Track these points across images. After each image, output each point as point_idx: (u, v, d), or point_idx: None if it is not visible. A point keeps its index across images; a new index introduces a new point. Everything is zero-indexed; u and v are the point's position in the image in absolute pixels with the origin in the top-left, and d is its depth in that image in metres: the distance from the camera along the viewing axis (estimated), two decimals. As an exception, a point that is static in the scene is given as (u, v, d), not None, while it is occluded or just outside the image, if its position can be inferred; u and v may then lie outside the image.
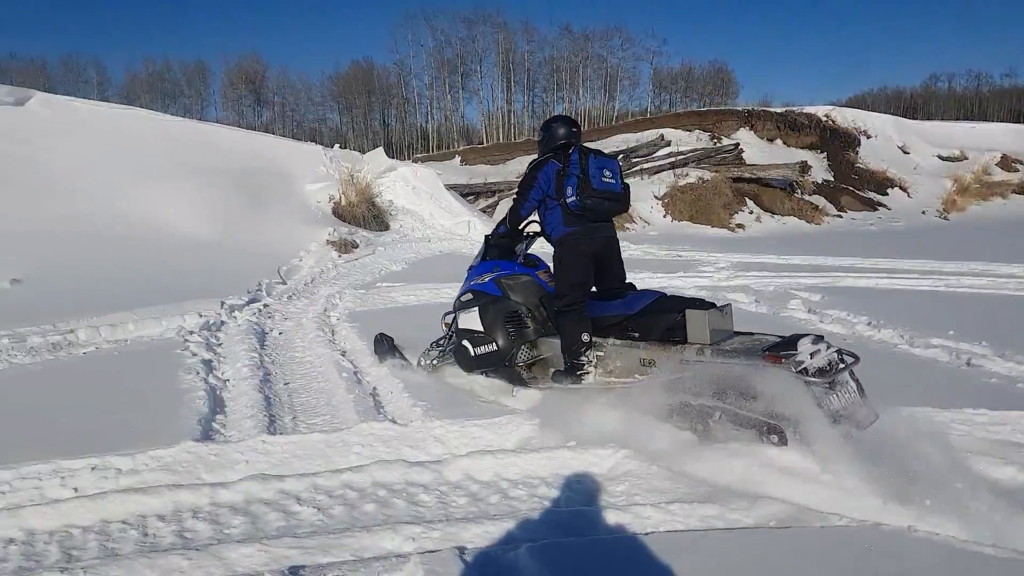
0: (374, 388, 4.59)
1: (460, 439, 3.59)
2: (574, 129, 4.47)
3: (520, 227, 4.66)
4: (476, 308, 4.57)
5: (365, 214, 12.82)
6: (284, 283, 8.78)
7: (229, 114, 59.95)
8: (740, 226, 18.09)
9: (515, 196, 4.49)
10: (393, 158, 17.07)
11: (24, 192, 9.76)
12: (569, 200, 4.12)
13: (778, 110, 26.36)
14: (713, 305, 3.79)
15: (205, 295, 7.42)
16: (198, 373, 4.85)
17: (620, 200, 4.30)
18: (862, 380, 3.47)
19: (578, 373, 4.07)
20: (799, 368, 3.17)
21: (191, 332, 6.09)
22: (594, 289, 4.37)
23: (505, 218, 4.59)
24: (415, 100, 62.54)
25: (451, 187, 15.71)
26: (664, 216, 18.09)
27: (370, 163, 14.99)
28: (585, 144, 4.42)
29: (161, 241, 9.58)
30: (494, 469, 3.19)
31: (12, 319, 6.14)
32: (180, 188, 11.05)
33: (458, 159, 25.63)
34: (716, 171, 19.78)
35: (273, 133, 41.73)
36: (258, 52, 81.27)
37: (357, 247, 11.12)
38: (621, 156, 19.85)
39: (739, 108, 27.86)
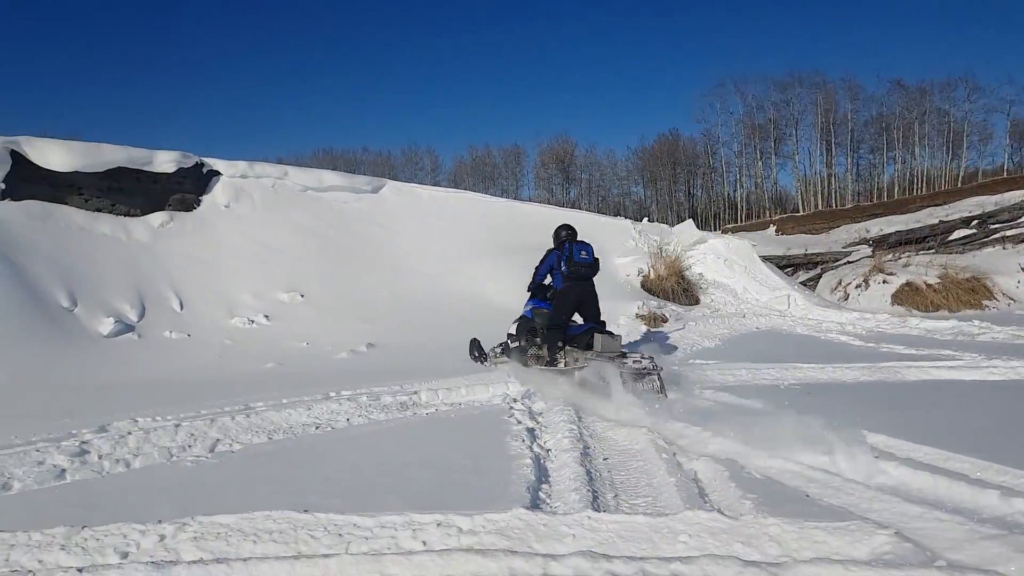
0: (695, 473, 4.42)
1: (799, 541, 3.26)
2: (570, 232, 7.79)
3: (538, 284, 7.96)
4: (517, 323, 7.95)
5: (675, 287, 12.76)
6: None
7: (541, 192, 64.70)
8: None
9: (536, 268, 7.93)
10: (701, 229, 16.89)
11: (380, 269, 11.35)
12: (563, 270, 7.44)
13: None
14: (609, 333, 7.24)
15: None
16: (523, 440, 5.11)
17: (591, 266, 7.54)
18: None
19: (554, 362, 7.34)
20: (622, 365, 6.79)
21: (515, 400, 6.50)
22: (580, 320, 7.62)
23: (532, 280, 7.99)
24: (723, 169, 61.64)
25: (767, 259, 15.04)
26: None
27: (679, 235, 14.97)
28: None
29: (486, 313, 10.50)
30: (843, 583, 2.85)
31: (369, 379, 7.10)
32: (499, 264, 12.03)
33: (773, 228, 24.63)
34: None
35: (579, 208, 44.04)
36: (567, 132, 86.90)
37: (667, 321, 11.07)
38: (975, 223, 17.46)
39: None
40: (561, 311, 7.42)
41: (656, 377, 6.67)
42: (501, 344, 8.10)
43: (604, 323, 7.44)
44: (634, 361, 6.83)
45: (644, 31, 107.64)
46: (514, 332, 7.84)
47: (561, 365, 7.20)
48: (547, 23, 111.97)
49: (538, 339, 7.48)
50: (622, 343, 7.25)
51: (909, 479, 4.14)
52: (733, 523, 3.47)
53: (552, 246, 7.78)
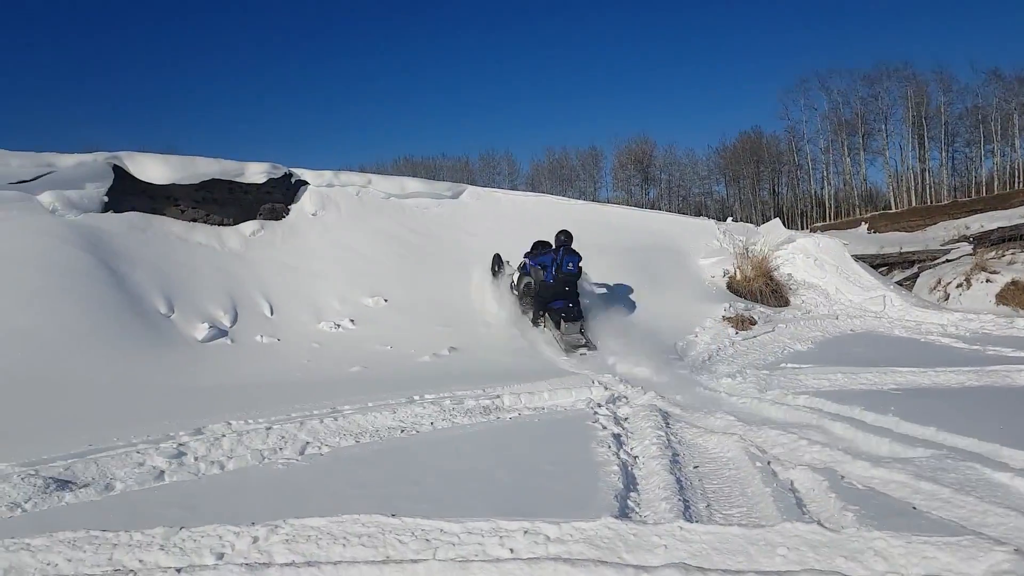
0: (792, 483, 4.22)
1: (908, 557, 3.05)
2: (567, 239, 9.86)
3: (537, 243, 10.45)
4: (518, 275, 10.52)
5: (763, 289, 12.34)
6: (681, 360, 8.80)
7: (619, 193, 64.21)
8: None
9: (531, 254, 10.32)
10: (788, 228, 16.32)
11: (460, 273, 11.42)
12: (553, 273, 9.61)
13: None
14: (577, 318, 9.41)
15: (602, 370, 7.85)
16: (609, 447, 5.01)
17: (575, 275, 9.70)
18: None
19: (536, 324, 9.96)
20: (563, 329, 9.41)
21: (599, 405, 6.40)
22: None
23: (523, 262, 10.45)
24: (808, 166, 59.73)
25: (859, 258, 14.39)
26: None
27: (766, 235, 14.50)
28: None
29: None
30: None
31: (451, 382, 7.12)
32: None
33: (864, 227, 23.64)
34: None
35: (659, 209, 43.40)
36: (646, 132, 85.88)
37: (755, 324, 10.71)
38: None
39: None
40: (545, 297, 9.72)
41: (587, 342, 9.38)
42: (514, 273, 10.83)
43: (577, 303, 9.69)
44: (579, 344, 9.31)
45: (721, 29, 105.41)
46: (517, 279, 10.64)
47: (540, 327, 9.95)
48: (623, 24, 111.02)
49: (531, 292, 10.07)
50: (585, 327, 9.59)
51: (1026, 491, 3.85)
52: (835, 536, 3.28)
53: (553, 247, 10.02)
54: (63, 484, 4.29)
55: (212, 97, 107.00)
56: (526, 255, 10.46)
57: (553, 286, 9.57)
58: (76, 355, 7.09)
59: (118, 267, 8.88)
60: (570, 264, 9.62)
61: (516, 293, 10.58)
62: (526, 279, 10.28)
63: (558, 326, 9.44)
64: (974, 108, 52.45)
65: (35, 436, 5.14)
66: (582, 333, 9.42)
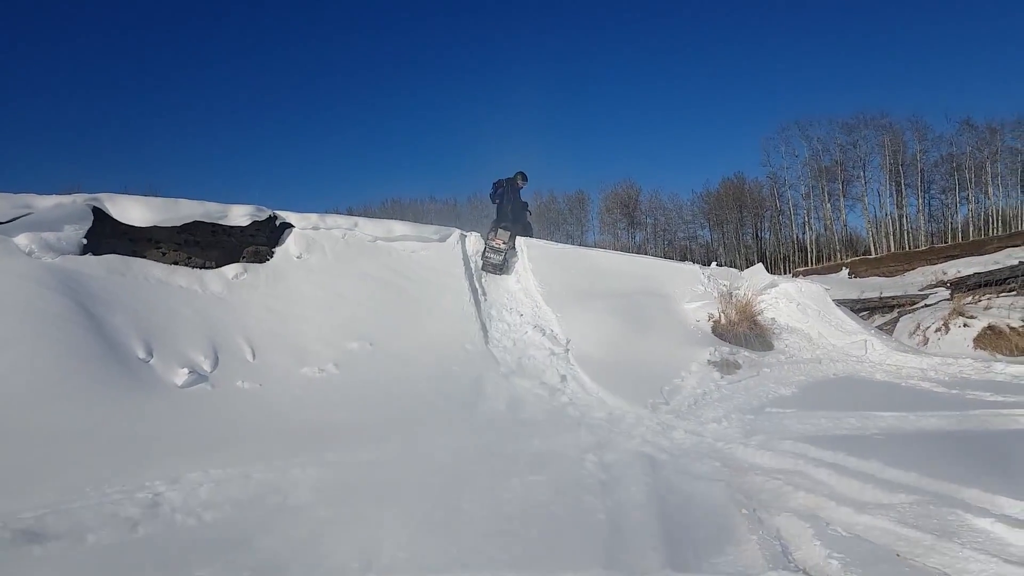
0: (778, 530, 4.20)
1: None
2: (514, 177, 14.78)
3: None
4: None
5: (747, 333, 12.38)
6: (667, 404, 8.77)
7: (606, 237, 64.70)
8: None
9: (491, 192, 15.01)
10: (771, 273, 16.46)
11: (447, 317, 11.40)
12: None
13: None
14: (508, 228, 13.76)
15: (589, 412, 7.81)
16: (596, 494, 4.98)
17: (518, 201, 14.78)
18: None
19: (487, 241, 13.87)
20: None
21: (586, 451, 6.35)
22: None
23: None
24: (790, 211, 60.68)
25: (840, 303, 14.54)
26: None
27: (749, 280, 14.61)
28: None
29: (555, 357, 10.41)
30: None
31: (441, 425, 7.05)
32: (571, 310, 11.97)
33: (845, 271, 23.89)
34: None
35: (645, 252, 43.74)
36: (631, 177, 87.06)
37: (740, 368, 10.72)
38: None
39: None
40: (500, 217, 14.11)
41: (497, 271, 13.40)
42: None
43: (514, 225, 14.04)
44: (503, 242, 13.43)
45: (703, 76, 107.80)
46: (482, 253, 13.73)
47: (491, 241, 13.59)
48: (606, 71, 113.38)
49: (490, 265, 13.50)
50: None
51: (1007, 537, 3.85)
52: (822, 586, 3.26)
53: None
54: (32, 537, 4.16)
55: (197, 138, 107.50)
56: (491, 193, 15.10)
57: (499, 208, 14.38)
58: (50, 402, 6.95)
59: (96, 311, 8.77)
60: (512, 195, 14.60)
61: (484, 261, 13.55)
62: (487, 254, 13.50)
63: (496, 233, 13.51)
64: (948, 156, 53.85)
65: (4, 487, 5.00)
66: (507, 243, 13.46)
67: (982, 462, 5.37)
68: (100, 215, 10.50)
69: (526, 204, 15.09)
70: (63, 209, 10.20)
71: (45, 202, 10.18)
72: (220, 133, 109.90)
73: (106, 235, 10.43)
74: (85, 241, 10.06)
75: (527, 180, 14.83)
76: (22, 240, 9.39)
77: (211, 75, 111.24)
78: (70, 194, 10.61)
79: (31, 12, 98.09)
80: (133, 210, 10.76)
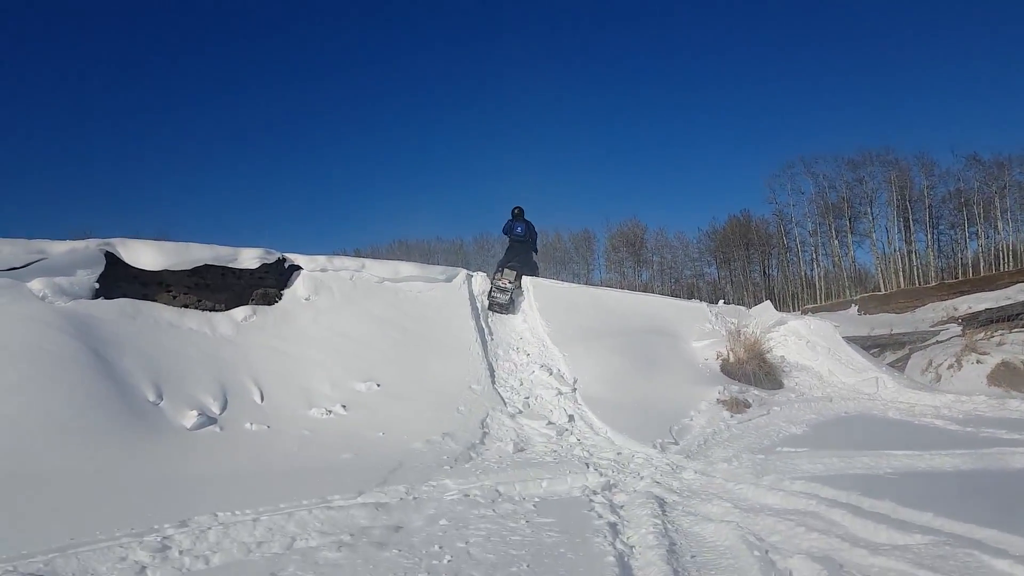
0: (791, 572, 4.14)
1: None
2: (519, 212, 15.15)
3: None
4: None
5: (756, 371, 12.33)
6: (677, 443, 8.71)
7: (612, 275, 64.79)
8: None
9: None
10: (779, 310, 16.43)
11: (454, 357, 11.41)
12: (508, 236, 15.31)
13: None
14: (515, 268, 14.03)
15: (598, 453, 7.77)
16: (605, 536, 4.92)
17: (521, 237, 15.08)
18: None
19: (494, 281, 14.03)
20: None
21: (595, 492, 6.30)
22: None
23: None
24: (797, 248, 60.72)
25: (850, 339, 14.46)
26: None
27: (758, 317, 14.59)
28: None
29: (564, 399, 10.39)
30: None
31: (446, 469, 7.00)
32: (578, 349, 11.96)
33: (855, 308, 23.80)
34: None
35: (652, 291, 43.71)
36: (637, 215, 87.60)
37: (749, 406, 10.65)
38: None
39: None
40: (504, 259, 14.47)
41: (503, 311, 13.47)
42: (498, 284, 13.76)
43: (522, 263, 14.49)
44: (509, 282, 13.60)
45: (707, 114, 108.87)
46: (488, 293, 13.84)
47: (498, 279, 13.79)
48: (613, 110, 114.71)
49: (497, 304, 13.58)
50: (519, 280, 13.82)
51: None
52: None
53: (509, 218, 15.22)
54: (42, 581, 4.15)
55: (208, 183, 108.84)
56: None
57: (507, 249, 14.95)
58: (60, 444, 6.97)
59: (107, 354, 8.82)
60: (518, 229, 14.95)
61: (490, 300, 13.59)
62: (493, 294, 13.57)
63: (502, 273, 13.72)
64: (956, 191, 53.90)
65: (15, 530, 5.00)
66: (512, 283, 13.56)
67: (999, 502, 5.30)
68: (112, 259, 10.63)
69: (534, 241, 15.52)
70: (76, 254, 10.33)
71: (59, 247, 10.32)
72: (231, 179, 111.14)
73: (118, 279, 10.53)
74: (97, 285, 10.17)
75: (522, 211, 15.27)
76: (36, 285, 9.50)
77: (222, 120, 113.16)
78: (82, 239, 10.76)
79: (45, 57, 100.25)
80: (145, 254, 10.89)
